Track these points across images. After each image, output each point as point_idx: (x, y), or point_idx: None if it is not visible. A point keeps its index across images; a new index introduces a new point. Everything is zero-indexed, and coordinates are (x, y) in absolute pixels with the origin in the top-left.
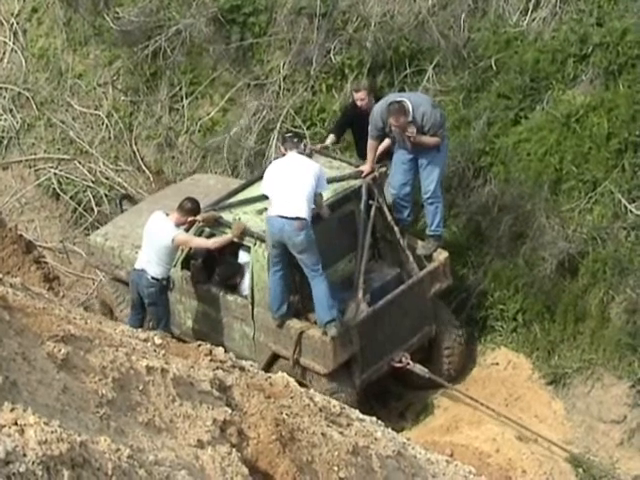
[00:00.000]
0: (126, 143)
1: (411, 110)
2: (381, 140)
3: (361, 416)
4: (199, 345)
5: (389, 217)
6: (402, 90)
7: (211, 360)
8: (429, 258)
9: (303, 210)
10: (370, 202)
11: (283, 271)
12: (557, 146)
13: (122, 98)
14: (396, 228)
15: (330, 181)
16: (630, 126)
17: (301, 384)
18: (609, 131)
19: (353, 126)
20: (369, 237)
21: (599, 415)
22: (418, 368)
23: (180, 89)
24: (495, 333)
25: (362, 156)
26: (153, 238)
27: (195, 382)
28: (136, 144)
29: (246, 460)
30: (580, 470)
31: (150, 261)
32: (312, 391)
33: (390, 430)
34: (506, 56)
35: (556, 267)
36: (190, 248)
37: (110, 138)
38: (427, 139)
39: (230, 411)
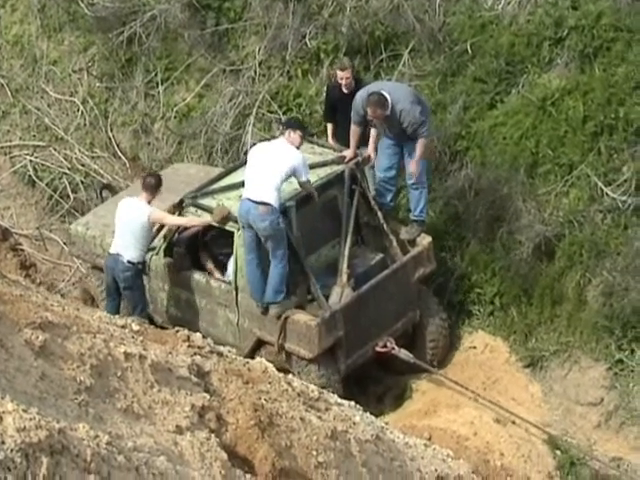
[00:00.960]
0: (102, 129)
1: (390, 105)
2: (364, 126)
3: (339, 401)
4: (177, 331)
5: (372, 202)
6: (378, 75)
7: (189, 346)
8: (412, 243)
9: (270, 196)
10: (353, 187)
11: (259, 258)
12: (533, 130)
13: (97, 84)
14: (380, 213)
15: (313, 166)
16: (605, 109)
17: (286, 371)
18: (585, 114)
19: (335, 109)
20: (353, 222)
21: (576, 398)
22: (403, 353)
23: (155, 75)
24: (472, 317)
25: (342, 140)
26: (127, 221)
27: (173, 368)
28: (112, 130)
29: (225, 445)
30: (558, 452)
31: (126, 245)
32: (290, 376)
33: (368, 414)
34: (481, 40)
35: (533, 250)
36: (173, 234)
37: (85, 125)
38: (420, 153)
39: (208, 397)
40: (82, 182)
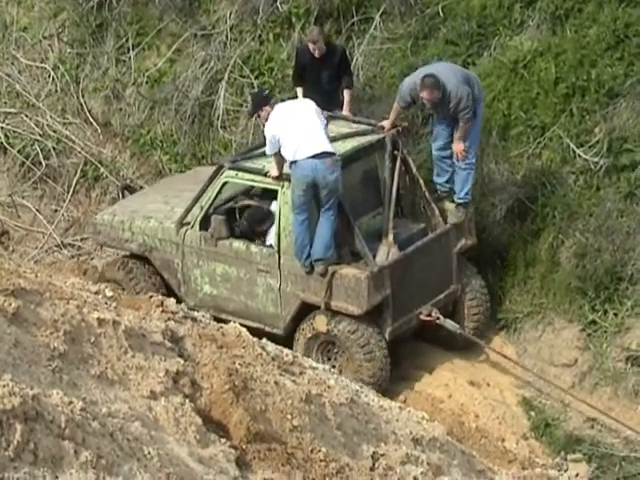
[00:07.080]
0: (73, 96)
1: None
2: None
3: (314, 364)
4: (150, 296)
5: (414, 169)
6: (349, 39)
7: (163, 311)
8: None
9: (329, 145)
10: (395, 153)
11: (310, 219)
12: (505, 92)
13: (68, 50)
14: (421, 180)
15: (352, 135)
16: (577, 71)
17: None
18: (556, 76)
19: (304, 73)
20: (396, 186)
21: (550, 359)
22: (449, 323)
23: (126, 40)
24: None
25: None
26: None
27: (147, 334)
28: (83, 96)
29: (200, 410)
30: (532, 413)
31: None
32: (264, 340)
33: (343, 378)
34: (453, 2)
35: (506, 213)
36: (210, 205)
37: (57, 91)
38: (461, 135)
39: (182, 362)
40: (54, 148)
